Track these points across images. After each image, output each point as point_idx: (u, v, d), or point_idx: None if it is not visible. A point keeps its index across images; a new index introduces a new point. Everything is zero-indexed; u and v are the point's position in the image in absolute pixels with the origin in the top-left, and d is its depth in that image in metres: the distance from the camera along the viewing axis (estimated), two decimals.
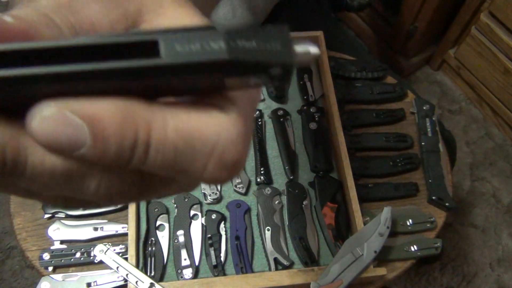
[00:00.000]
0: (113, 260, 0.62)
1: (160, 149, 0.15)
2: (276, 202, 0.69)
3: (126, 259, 0.62)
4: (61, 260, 0.64)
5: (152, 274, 0.63)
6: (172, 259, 0.65)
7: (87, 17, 0.18)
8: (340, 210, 0.69)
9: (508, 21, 1.24)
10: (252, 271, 0.65)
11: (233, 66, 0.15)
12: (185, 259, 0.65)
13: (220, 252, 0.66)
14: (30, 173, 0.15)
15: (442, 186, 0.72)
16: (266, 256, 0.66)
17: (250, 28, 0.15)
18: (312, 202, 0.70)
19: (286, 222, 0.68)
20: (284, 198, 0.70)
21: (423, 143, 0.76)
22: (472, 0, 1.32)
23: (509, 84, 1.36)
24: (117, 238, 0.67)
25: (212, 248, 0.66)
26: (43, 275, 0.64)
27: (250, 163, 0.73)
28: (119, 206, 0.69)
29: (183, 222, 0.67)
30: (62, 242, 0.66)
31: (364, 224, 0.65)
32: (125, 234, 0.66)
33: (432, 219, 0.70)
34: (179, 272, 0.64)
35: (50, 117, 0.14)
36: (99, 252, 0.63)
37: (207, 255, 0.66)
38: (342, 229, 0.68)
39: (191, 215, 0.68)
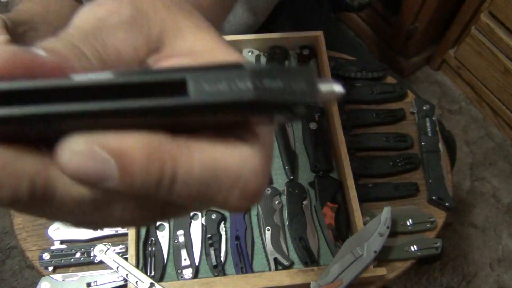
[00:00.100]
0: (113, 260, 0.62)
1: (185, 182, 0.16)
2: (276, 202, 0.69)
3: (126, 259, 0.62)
4: (61, 260, 0.64)
5: (152, 274, 0.64)
6: (172, 259, 0.65)
7: (113, 45, 0.18)
8: (340, 210, 0.69)
9: (508, 21, 1.24)
10: (252, 271, 0.65)
11: (258, 105, 0.15)
12: (185, 259, 0.65)
13: (220, 252, 0.66)
14: (58, 202, 0.16)
15: (442, 186, 0.72)
16: (266, 256, 0.66)
17: (276, 68, 0.15)
18: (312, 202, 0.70)
19: (286, 222, 0.68)
20: (284, 198, 0.70)
21: (423, 143, 0.76)
22: (472, 0, 1.32)
23: (509, 84, 1.36)
24: (117, 238, 0.67)
25: (212, 248, 0.66)
26: (43, 275, 0.64)
27: None
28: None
29: (183, 222, 0.67)
30: (62, 242, 0.66)
31: (364, 224, 0.65)
32: (125, 234, 0.66)
33: (432, 219, 0.70)
34: (179, 272, 0.64)
35: (79, 151, 0.15)
36: (99, 252, 0.63)
37: (207, 255, 0.66)
38: (342, 229, 0.68)
39: (191, 215, 0.68)
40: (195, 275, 0.64)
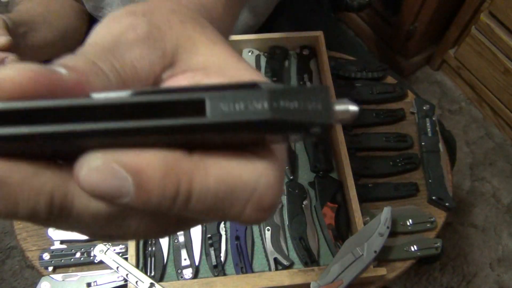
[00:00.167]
0: (113, 260, 0.62)
1: (201, 197, 0.16)
2: None
3: (126, 259, 0.62)
4: (61, 260, 0.64)
5: (152, 274, 0.63)
6: (172, 259, 0.65)
7: (129, 61, 0.19)
8: (340, 210, 0.69)
9: (508, 21, 1.24)
10: (252, 271, 0.65)
11: (275, 125, 0.15)
12: (185, 259, 0.65)
13: (220, 252, 0.66)
14: (75, 216, 0.16)
15: (442, 186, 0.72)
16: (266, 256, 0.66)
17: (292, 88, 0.15)
18: (312, 202, 0.70)
19: (286, 222, 0.68)
20: (284, 198, 0.70)
21: (423, 143, 0.76)
22: (472, 0, 1.32)
23: (509, 84, 1.36)
24: None
25: (212, 248, 0.66)
26: (43, 275, 0.64)
27: None
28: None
29: None
30: (62, 242, 0.66)
31: (364, 224, 0.65)
32: None
33: (432, 219, 0.70)
34: (179, 272, 0.64)
35: (97, 168, 0.15)
36: (99, 252, 0.63)
37: (207, 255, 0.66)
38: (342, 229, 0.68)
39: None
40: (195, 275, 0.64)
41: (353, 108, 0.16)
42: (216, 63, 0.20)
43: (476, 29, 1.35)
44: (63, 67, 0.16)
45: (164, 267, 0.65)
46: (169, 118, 0.15)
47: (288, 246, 0.67)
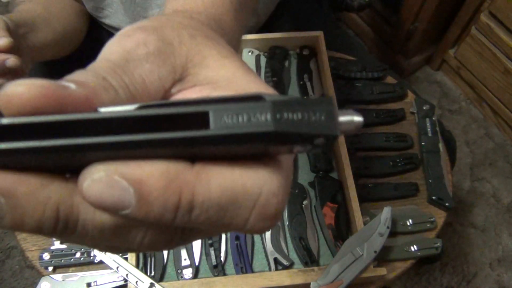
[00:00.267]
0: (113, 260, 0.62)
1: (204, 207, 0.16)
2: None
3: (126, 259, 0.62)
4: (61, 260, 0.64)
5: (152, 274, 0.64)
6: (172, 259, 0.65)
7: (139, 76, 0.19)
8: (340, 210, 0.69)
9: (508, 21, 1.24)
10: (252, 271, 0.65)
11: (278, 137, 0.15)
12: (185, 259, 0.65)
13: (220, 252, 0.66)
14: (81, 228, 0.16)
15: (442, 186, 0.72)
16: (266, 256, 0.66)
17: (296, 100, 0.15)
18: (312, 202, 0.70)
19: (286, 222, 0.68)
20: None
21: (423, 143, 0.76)
22: (472, 0, 1.32)
23: (509, 84, 1.36)
24: None
25: (212, 248, 0.66)
26: (43, 275, 0.64)
27: None
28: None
29: None
30: (62, 242, 0.66)
31: (364, 224, 0.65)
32: None
33: (432, 219, 0.70)
34: (179, 272, 0.64)
35: (99, 180, 0.15)
36: (99, 252, 0.63)
37: (207, 255, 0.66)
38: (342, 229, 0.68)
39: None
40: (195, 275, 0.64)
41: (358, 118, 0.16)
42: (224, 77, 0.21)
43: (476, 29, 1.35)
44: (73, 82, 0.16)
45: (164, 267, 0.65)
46: (173, 131, 0.15)
47: (288, 246, 0.67)
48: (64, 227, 0.16)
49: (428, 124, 0.77)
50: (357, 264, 0.61)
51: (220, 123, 0.15)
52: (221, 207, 0.16)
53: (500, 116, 1.51)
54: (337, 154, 0.72)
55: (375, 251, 0.62)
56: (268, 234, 0.66)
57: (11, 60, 0.52)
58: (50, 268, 0.65)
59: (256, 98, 0.15)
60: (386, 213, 0.65)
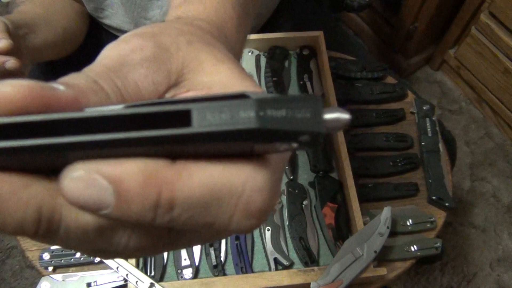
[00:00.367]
0: (113, 260, 0.62)
1: (185, 206, 0.16)
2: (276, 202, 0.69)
3: (126, 259, 0.62)
4: (61, 260, 0.65)
5: (152, 274, 0.64)
6: (172, 259, 0.65)
7: (133, 80, 0.19)
8: (340, 210, 0.69)
9: (508, 21, 1.24)
10: (252, 271, 0.65)
11: (262, 135, 0.15)
12: (185, 259, 0.65)
13: (220, 252, 0.66)
14: (64, 230, 0.16)
15: (442, 186, 0.72)
16: (266, 256, 0.66)
17: (281, 97, 0.15)
18: (312, 202, 0.70)
19: (286, 222, 0.68)
20: (284, 198, 0.70)
21: (423, 143, 0.76)
22: (472, 0, 1.32)
23: (509, 84, 1.36)
24: None
25: (212, 248, 0.66)
26: (43, 275, 0.64)
27: None
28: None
29: None
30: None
31: (364, 224, 0.65)
32: None
33: (432, 219, 0.70)
34: (179, 272, 0.64)
35: (78, 178, 0.15)
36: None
37: (207, 255, 0.66)
38: (342, 229, 0.68)
39: None
40: (195, 275, 0.65)
41: (344, 116, 0.16)
42: (219, 82, 0.20)
43: (476, 29, 1.35)
44: (63, 84, 0.16)
45: (164, 267, 0.65)
46: (154, 130, 0.15)
47: (288, 246, 0.67)
48: (46, 228, 0.16)
49: (428, 124, 0.77)
50: (357, 264, 0.61)
51: (203, 121, 0.15)
52: (202, 205, 0.16)
53: (500, 116, 1.51)
54: (337, 154, 0.72)
55: (375, 251, 0.62)
56: (268, 234, 0.67)
57: (10, 62, 0.52)
58: (50, 268, 0.65)
59: (240, 96, 0.15)
60: (386, 213, 0.65)
